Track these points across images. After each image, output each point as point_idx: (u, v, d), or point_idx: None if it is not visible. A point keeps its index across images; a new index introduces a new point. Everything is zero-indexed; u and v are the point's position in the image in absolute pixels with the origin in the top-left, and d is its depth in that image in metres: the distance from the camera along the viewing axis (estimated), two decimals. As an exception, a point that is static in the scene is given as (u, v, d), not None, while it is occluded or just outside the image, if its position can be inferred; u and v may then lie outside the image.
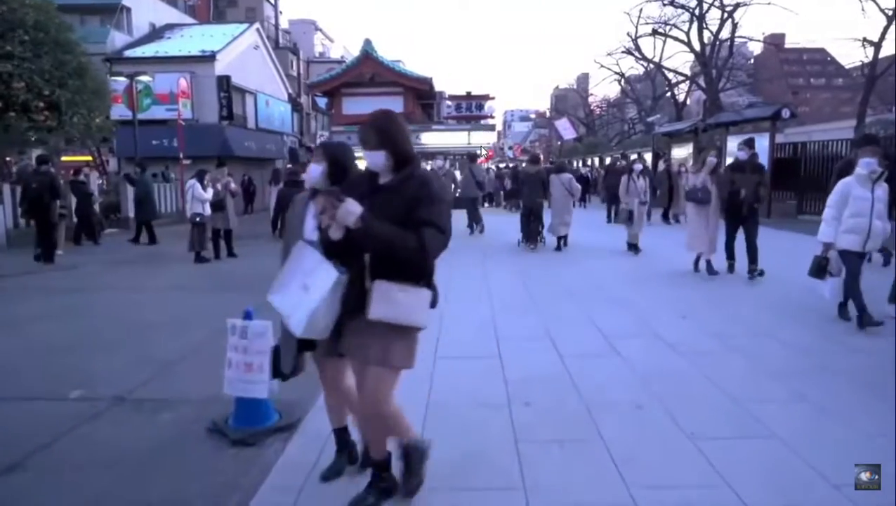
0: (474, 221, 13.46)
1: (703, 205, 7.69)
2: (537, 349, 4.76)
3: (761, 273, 7.24)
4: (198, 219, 9.58)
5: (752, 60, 49.75)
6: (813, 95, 71.84)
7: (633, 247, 9.82)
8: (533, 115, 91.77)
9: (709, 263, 7.72)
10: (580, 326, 5.40)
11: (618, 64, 36.22)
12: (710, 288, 7.14)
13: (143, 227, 12.71)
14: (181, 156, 19.47)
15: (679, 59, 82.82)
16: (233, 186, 10.56)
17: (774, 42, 42.84)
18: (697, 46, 24.63)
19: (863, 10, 22.12)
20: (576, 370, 4.22)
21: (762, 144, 17.03)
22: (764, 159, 16.06)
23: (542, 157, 17.74)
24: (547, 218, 10.91)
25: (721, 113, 21.21)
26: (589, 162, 33.01)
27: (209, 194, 9.70)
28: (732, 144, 18.31)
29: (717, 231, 7.65)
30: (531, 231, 10.89)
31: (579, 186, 12.48)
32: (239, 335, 3.29)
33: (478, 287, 7.34)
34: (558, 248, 10.59)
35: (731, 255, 7.75)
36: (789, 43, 48.98)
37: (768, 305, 6.11)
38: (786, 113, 16.31)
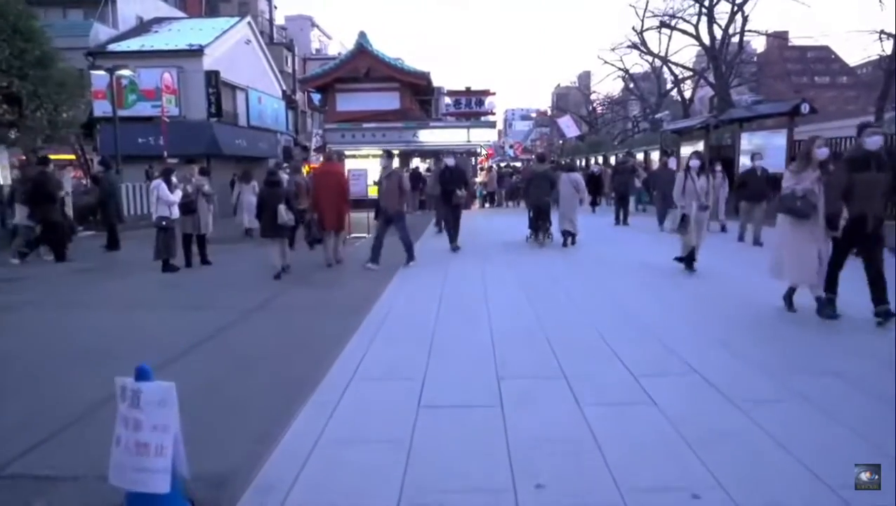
0: (440, 220, 13.48)
1: (805, 218, 5.28)
2: (549, 394, 3.77)
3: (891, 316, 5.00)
4: (163, 223, 8.59)
5: (755, 58, 48.80)
6: (817, 94, 70.86)
7: (688, 261, 7.84)
8: (534, 114, 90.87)
9: (819, 301, 5.40)
10: (600, 360, 4.40)
11: (622, 60, 35.20)
12: (748, 311, 6.13)
13: (112, 231, 11.72)
14: (165, 154, 18.46)
15: (683, 57, 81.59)
16: (206, 187, 9.56)
17: (778, 37, 41.79)
18: (706, 40, 23.62)
19: (880, 0, 21.01)
20: (601, 428, 3.22)
21: (779, 142, 16.08)
22: (780, 160, 15.11)
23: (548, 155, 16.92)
24: (555, 216, 11.14)
25: (734, 109, 20.20)
26: (599, 160, 31.44)
27: (177, 196, 8.71)
28: (746, 141, 17.39)
29: (828, 255, 5.42)
30: (539, 228, 11.14)
31: (584, 190, 12.20)
32: (129, 402, 2.30)
33: (475, 304, 6.35)
34: (565, 244, 10.76)
35: (833, 286, 5.37)
36: (800, 38, 47.91)
37: (819, 331, 5.12)
38: (805, 108, 15.28)
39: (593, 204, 18.07)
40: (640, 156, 25.35)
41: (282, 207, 8.12)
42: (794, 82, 70.21)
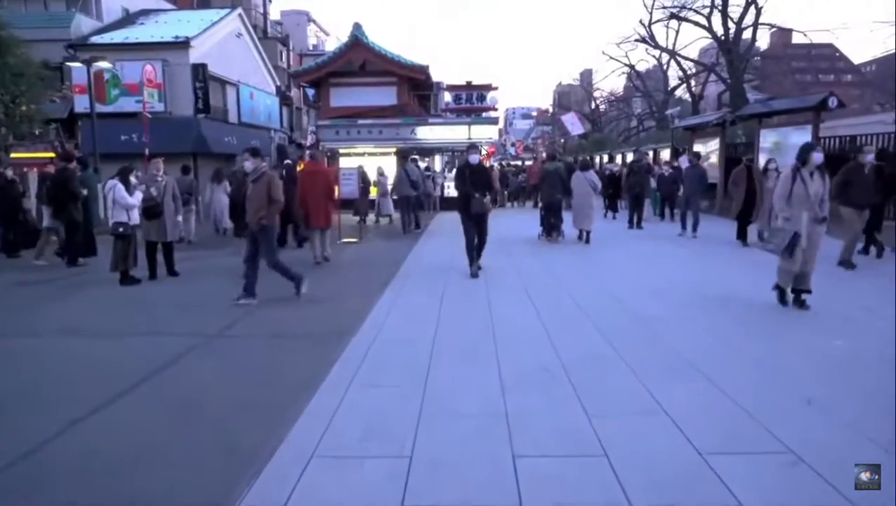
0: (407, 221, 13.63)
1: None
2: (588, 489, 2.66)
3: None
4: (120, 230, 7.49)
5: (757, 57, 47.68)
6: (822, 92, 69.49)
7: (794, 295, 5.83)
8: (534, 113, 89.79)
9: None
10: (649, 424, 3.29)
11: (627, 56, 34.14)
12: (818, 348, 5.03)
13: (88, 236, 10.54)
14: (146, 152, 17.34)
15: (688, 53, 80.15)
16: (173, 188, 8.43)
17: (787, 29, 40.69)
18: (718, 32, 22.48)
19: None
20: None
21: (801, 140, 14.98)
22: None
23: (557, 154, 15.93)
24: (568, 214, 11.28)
25: (753, 103, 19.07)
26: (604, 158, 29.58)
27: (136, 199, 7.62)
28: (765, 139, 16.29)
29: None
30: (551, 225, 11.23)
31: (599, 183, 12.14)
32: None
33: (479, 332, 5.24)
34: (580, 238, 10.99)
35: None
36: (816, 31, 46.68)
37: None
38: (833, 102, 14.14)
39: (613, 209, 16.38)
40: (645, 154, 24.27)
41: None
42: (798, 80, 69.09)
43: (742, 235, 10.33)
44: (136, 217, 7.66)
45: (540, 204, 12.11)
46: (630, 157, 26.58)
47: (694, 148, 19.89)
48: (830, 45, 70.88)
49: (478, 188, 7.65)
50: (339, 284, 7.71)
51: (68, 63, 17.67)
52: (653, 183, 15.36)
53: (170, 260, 8.34)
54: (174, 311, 6.42)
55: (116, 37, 21.44)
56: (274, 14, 43.22)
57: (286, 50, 35.83)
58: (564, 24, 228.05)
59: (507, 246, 10.50)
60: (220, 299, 6.77)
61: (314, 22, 47.60)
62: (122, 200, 7.46)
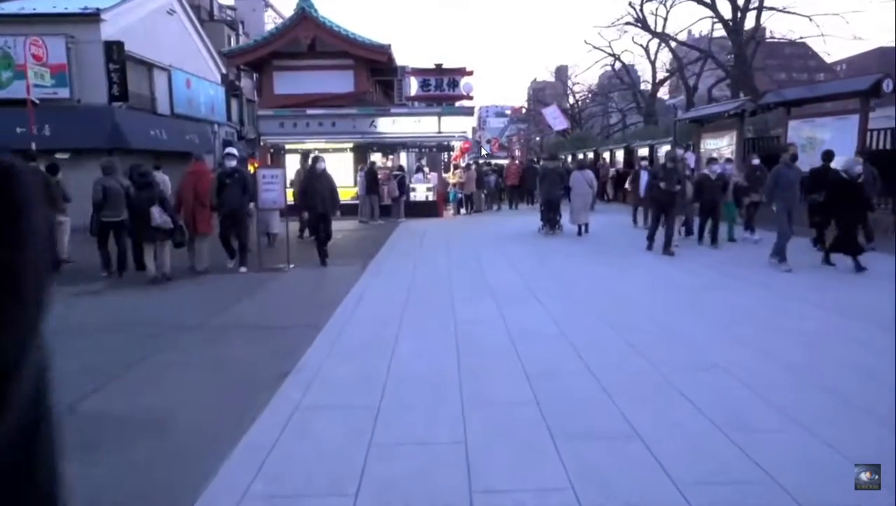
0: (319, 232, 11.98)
1: None
2: None
3: None
4: None
5: (730, 55, 45.67)
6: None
7: None
8: (509, 111, 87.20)
9: None
10: None
11: (610, 46, 31.46)
12: None
13: None
14: (33, 146, 13.73)
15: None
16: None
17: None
18: (724, 14, 19.80)
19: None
20: None
21: (841, 131, 12.27)
22: (850, 150, 11.14)
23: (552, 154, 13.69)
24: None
25: (773, 91, 16.34)
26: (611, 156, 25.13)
27: None
28: (795, 132, 13.57)
29: None
30: (550, 220, 11.93)
31: (595, 183, 13.12)
32: None
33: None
34: (579, 233, 11.54)
35: None
36: (820, 15, 44.50)
37: None
38: (888, 85, 11.45)
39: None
40: (642, 151, 21.51)
41: (155, 210, 7.76)
42: (773, 79, 68.01)
43: (843, 253, 6.14)
44: None
45: (539, 201, 12.76)
46: (620, 155, 23.89)
47: (702, 143, 17.15)
48: (803, 45, 70.05)
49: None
50: (208, 375, 4.42)
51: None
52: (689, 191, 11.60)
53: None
54: None
55: (8, 7, 17.68)
56: (227, -2, 39.48)
57: (235, 34, 32.15)
58: (536, 19, 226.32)
59: (488, 285, 7.38)
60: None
61: (272, 7, 43.82)
62: None
